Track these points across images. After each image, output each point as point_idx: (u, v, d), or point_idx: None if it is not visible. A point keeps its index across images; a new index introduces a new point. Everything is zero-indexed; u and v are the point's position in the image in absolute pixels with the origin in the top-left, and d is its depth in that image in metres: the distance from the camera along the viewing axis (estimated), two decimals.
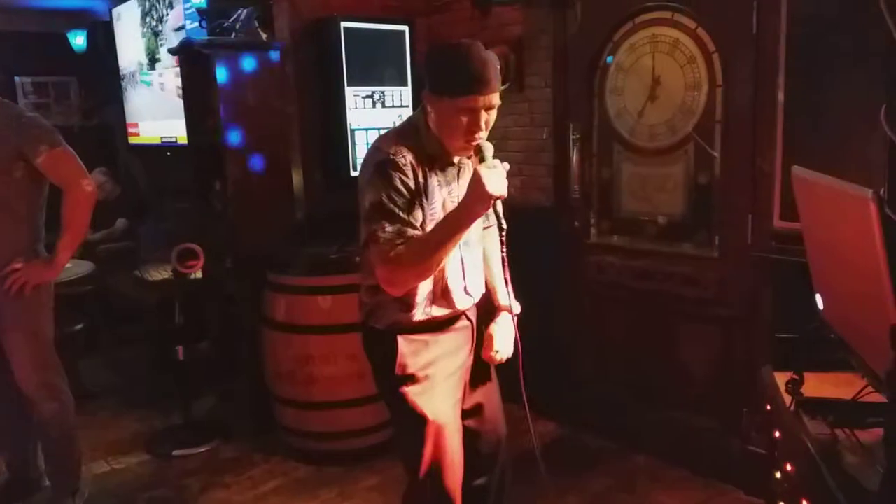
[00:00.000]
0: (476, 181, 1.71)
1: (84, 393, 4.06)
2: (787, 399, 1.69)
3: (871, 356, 1.44)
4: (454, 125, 1.79)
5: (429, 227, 1.86)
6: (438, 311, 1.99)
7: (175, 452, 3.51)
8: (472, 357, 2.14)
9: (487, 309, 2.18)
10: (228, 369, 4.04)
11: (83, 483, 3.06)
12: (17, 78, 6.72)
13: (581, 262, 3.56)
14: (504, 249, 1.81)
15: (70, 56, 6.71)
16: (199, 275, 3.62)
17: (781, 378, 1.79)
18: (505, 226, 1.78)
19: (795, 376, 1.69)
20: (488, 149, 1.79)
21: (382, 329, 1.98)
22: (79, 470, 3.05)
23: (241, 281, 3.65)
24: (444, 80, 1.79)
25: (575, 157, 3.55)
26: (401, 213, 1.79)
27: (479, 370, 2.17)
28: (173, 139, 5.01)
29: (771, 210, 2.79)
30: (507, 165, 1.77)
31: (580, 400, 3.59)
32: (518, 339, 1.98)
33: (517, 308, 2.10)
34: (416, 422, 1.95)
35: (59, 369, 2.90)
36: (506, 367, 2.11)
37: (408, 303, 1.93)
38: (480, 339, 2.13)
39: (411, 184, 1.81)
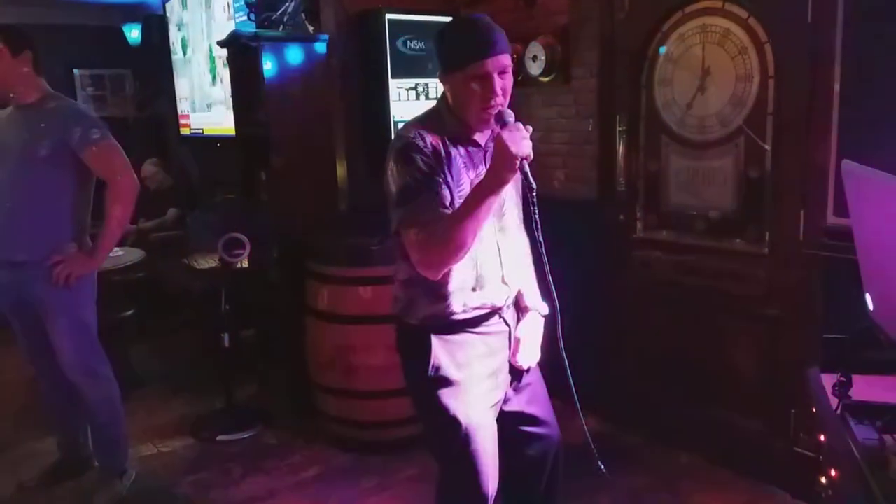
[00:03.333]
0: (499, 144, 1.67)
1: (133, 379, 4.18)
2: (834, 402, 1.63)
3: None
4: (470, 96, 1.78)
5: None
6: (474, 302, 1.93)
7: (219, 437, 3.60)
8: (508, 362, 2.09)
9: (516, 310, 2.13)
10: (272, 357, 4.10)
11: (130, 465, 3.16)
12: (75, 70, 6.93)
13: (626, 257, 3.50)
14: (537, 212, 1.73)
15: (125, 49, 6.89)
16: (245, 264, 3.69)
17: (829, 380, 1.73)
18: (535, 186, 1.71)
19: (843, 378, 1.62)
20: (509, 114, 1.75)
21: (416, 325, 1.94)
22: (126, 452, 3.14)
23: (285, 270, 3.70)
24: (452, 55, 1.80)
25: (621, 149, 3.48)
26: (427, 192, 1.77)
27: (523, 372, 2.12)
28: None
29: (824, 205, 2.69)
30: (529, 128, 1.71)
31: (622, 396, 3.54)
32: (562, 340, 1.87)
33: (545, 309, 2.08)
34: (447, 424, 1.92)
35: (102, 356, 2.98)
36: (552, 365, 2.07)
37: (441, 294, 1.89)
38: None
39: (433, 162, 1.79)
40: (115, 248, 4.68)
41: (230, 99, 4.18)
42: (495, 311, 1.99)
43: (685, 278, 3.27)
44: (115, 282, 4.34)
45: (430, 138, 1.81)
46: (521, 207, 2.06)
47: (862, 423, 1.52)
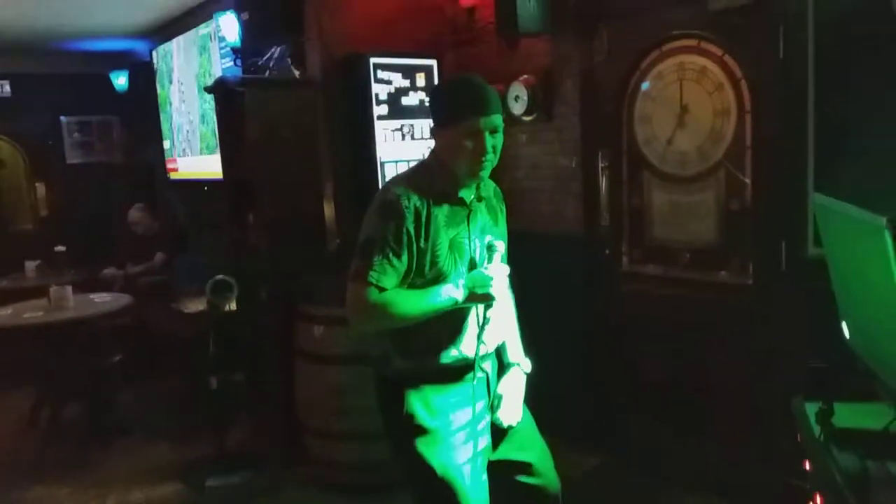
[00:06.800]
0: (482, 276, 1.85)
1: (120, 425, 4.14)
2: (818, 430, 1.64)
3: None
4: (462, 151, 1.85)
5: (430, 269, 1.87)
6: (447, 359, 1.94)
7: (208, 482, 3.54)
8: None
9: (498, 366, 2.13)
10: (261, 400, 4.07)
11: None
12: (62, 118, 6.98)
13: (613, 291, 3.53)
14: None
15: (112, 96, 6.95)
16: (233, 307, 3.68)
17: (813, 408, 1.75)
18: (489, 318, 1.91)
19: (825, 406, 1.64)
20: (499, 249, 1.92)
21: (391, 377, 1.97)
22: None
23: (274, 312, 3.70)
24: (447, 111, 1.88)
25: (604, 184, 3.54)
26: (392, 258, 1.82)
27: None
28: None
29: (805, 236, 2.74)
30: (507, 270, 1.90)
31: (616, 432, 3.53)
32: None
33: (528, 366, 2.11)
34: (424, 473, 1.91)
35: None
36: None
37: (411, 350, 1.92)
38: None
39: (411, 229, 1.84)
40: (103, 294, 4.69)
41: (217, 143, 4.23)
42: (470, 365, 1.97)
43: (672, 311, 3.29)
44: (102, 327, 4.32)
45: (415, 199, 1.86)
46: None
47: (845, 450, 1.54)
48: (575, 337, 3.57)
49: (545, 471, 2.11)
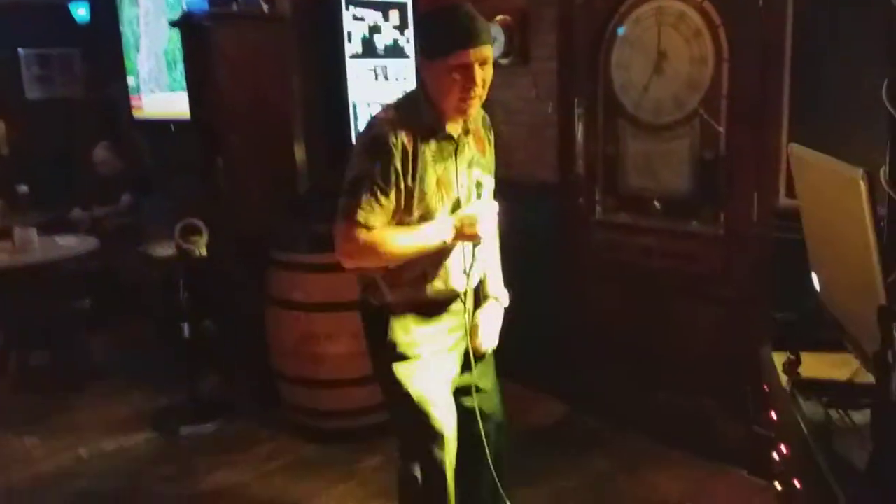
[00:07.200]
0: (471, 216, 1.86)
1: (92, 371, 4.11)
2: (784, 379, 1.68)
3: (863, 337, 1.43)
4: (450, 85, 1.81)
5: (418, 205, 1.88)
6: (431, 291, 1.99)
7: (182, 430, 3.55)
8: (466, 341, 2.12)
9: (477, 296, 2.18)
10: (234, 347, 4.06)
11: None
12: (20, 50, 6.70)
13: (585, 239, 3.54)
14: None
15: (73, 28, 6.66)
16: (203, 252, 3.63)
17: (780, 358, 1.79)
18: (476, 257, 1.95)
19: (792, 356, 1.68)
20: (488, 186, 1.95)
21: (377, 305, 2.01)
22: None
23: (245, 258, 3.66)
24: (435, 42, 1.83)
25: (580, 132, 3.51)
26: (380, 196, 1.82)
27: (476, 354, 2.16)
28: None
29: (776, 187, 2.76)
30: (496, 206, 1.88)
31: (582, 379, 3.59)
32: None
33: (506, 299, 2.15)
34: (402, 398, 2.00)
35: None
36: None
37: (398, 283, 1.96)
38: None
39: (399, 167, 1.83)
40: (68, 236, 4.59)
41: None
42: (454, 297, 2.05)
43: (643, 260, 3.32)
44: (70, 271, 4.24)
45: (402, 136, 1.83)
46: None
47: (810, 399, 1.58)
48: (546, 286, 3.59)
49: (490, 401, 2.20)
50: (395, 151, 1.81)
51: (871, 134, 2.29)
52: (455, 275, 2.00)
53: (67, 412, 3.79)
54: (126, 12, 5.77)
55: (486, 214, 1.90)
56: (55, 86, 6.91)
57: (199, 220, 3.50)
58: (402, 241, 1.85)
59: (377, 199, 1.81)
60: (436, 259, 1.95)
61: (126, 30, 5.82)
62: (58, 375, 4.13)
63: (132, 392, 4.01)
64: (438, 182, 1.90)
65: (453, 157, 1.93)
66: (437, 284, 1.98)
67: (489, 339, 2.13)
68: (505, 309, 2.18)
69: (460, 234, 1.88)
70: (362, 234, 1.81)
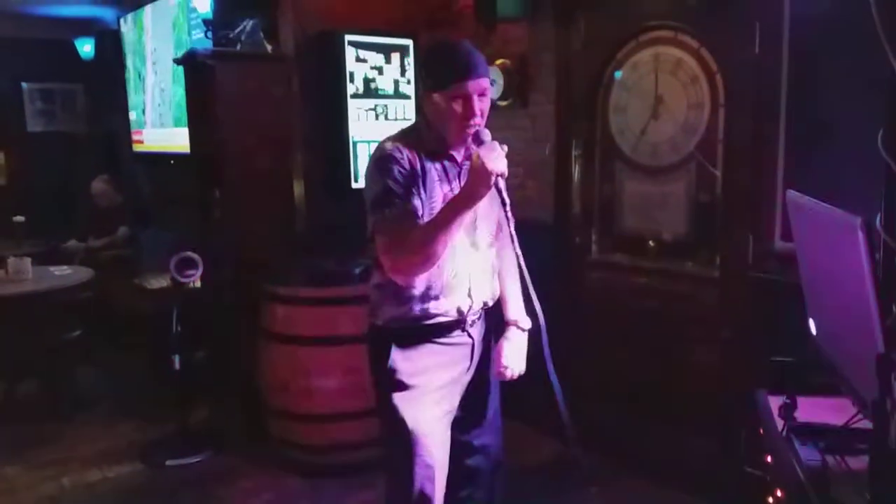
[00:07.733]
0: (476, 160, 1.77)
1: (79, 402, 4.06)
2: (780, 423, 1.66)
3: (860, 383, 1.42)
4: (450, 114, 1.87)
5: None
6: (436, 309, 1.98)
7: (168, 462, 3.49)
8: (470, 374, 2.13)
9: (498, 323, 2.19)
10: (224, 379, 4.02)
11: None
12: (23, 84, 6.77)
13: (581, 279, 3.55)
14: (513, 225, 1.87)
15: (77, 63, 6.74)
16: (197, 284, 3.62)
17: (776, 401, 1.77)
18: (508, 201, 1.85)
19: (788, 400, 1.66)
20: (486, 133, 1.85)
21: (380, 326, 2.03)
22: None
23: (239, 290, 3.64)
24: (436, 74, 1.90)
25: (577, 173, 3.54)
26: (401, 200, 1.85)
27: (481, 388, 2.17)
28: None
29: (772, 230, 2.77)
30: (505, 147, 1.82)
31: (580, 418, 3.54)
32: (549, 351, 2.04)
33: (527, 323, 2.16)
34: (396, 427, 1.99)
35: None
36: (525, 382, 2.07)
37: (404, 297, 1.96)
38: (488, 356, 2.16)
39: (408, 174, 1.87)
40: (63, 267, 4.58)
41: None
42: (458, 323, 2.03)
43: (639, 300, 3.32)
44: (62, 301, 4.22)
45: (406, 152, 1.90)
46: (494, 225, 2.12)
47: (806, 444, 1.56)
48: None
49: (491, 440, 2.20)
50: (401, 160, 1.87)
51: (866, 179, 2.32)
52: (460, 293, 2.00)
53: (53, 442, 3.73)
54: (132, 48, 5.84)
55: (496, 149, 1.80)
56: (56, 120, 6.97)
57: (194, 254, 3.50)
58: (433, 225, 1.83)
59: (401, 207, 1.85)
60: (438, 275, 1.95)
61: (130, 65, 5.88)
62: (45, 405, 4.07)
63: (120, 423, 3.96)
64: (444, 201, 1.91)
65: (458, 181, 1.97)
66: (443, 302, 1.98)
67: (514, 366, 2.15)
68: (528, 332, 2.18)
69: (483, 173, 1.74)
70: (400, 236, 1.83)
